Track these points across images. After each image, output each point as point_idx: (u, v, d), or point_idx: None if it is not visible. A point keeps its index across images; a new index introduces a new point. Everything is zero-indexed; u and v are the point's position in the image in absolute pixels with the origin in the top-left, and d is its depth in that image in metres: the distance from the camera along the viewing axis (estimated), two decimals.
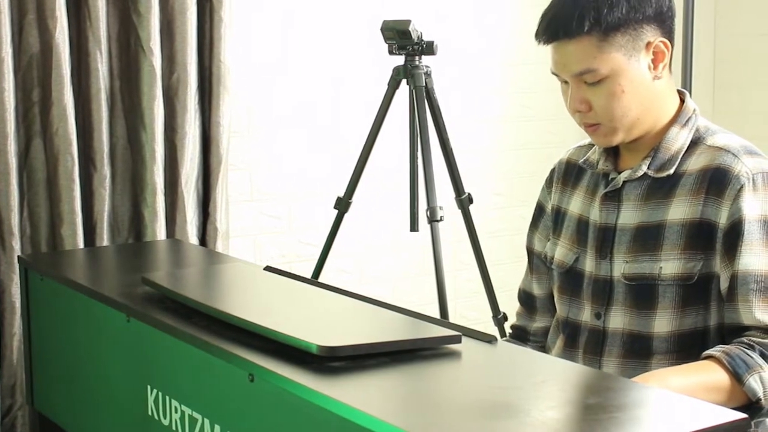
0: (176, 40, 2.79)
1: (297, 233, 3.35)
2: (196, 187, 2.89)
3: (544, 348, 1.94)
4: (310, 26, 3.31)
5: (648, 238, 1.69)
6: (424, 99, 2.78)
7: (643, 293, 1.69)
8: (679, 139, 1.72)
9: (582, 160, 1.85)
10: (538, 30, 1.70)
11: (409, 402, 1.24)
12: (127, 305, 1.73)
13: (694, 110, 1.75)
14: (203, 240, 2.93)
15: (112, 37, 2.76)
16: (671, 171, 1.70)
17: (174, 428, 1.57)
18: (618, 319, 1.72)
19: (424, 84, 2.79)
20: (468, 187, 2.92)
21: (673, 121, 1.73)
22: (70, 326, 1.99)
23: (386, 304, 1.59)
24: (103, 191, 2.75)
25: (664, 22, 1.69)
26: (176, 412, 1.56)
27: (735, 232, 1.62)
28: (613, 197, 1.76)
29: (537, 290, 1.95)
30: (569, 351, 1.81)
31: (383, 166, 3.35)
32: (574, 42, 1.65)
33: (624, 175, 1.74)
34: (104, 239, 2.77)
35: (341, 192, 2.90)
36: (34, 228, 2.72)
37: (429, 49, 2.77)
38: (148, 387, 1.64)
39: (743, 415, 1.13)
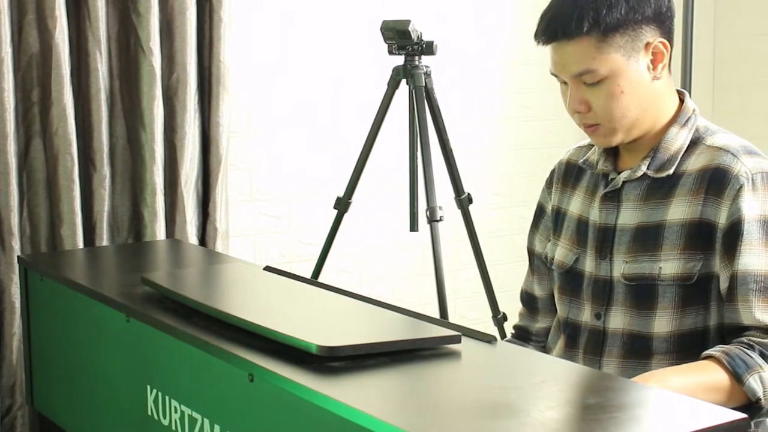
0: (176, 40, 2.79)
1: (297, 233, 3.35)
2: (195, 187, 2.89)
3: (546, 348, 1.94)
4: (309, 26, 3.31)
5: (648, 239, 1.69)
6: (423, 99, 2.78)
7: (642, 293, 1.69)
8: (678, 139, 1.72)
9: (582, 160, 1.85)
10: (537, 31, 1.70)
11: (409, 402, 1.24)
12: (127, 305, 1.73)
13: (694, 110, 1.75)
14: (203, 240, 2.93)
15: (112, 37, 2.76)
16: (671, 171, 1.70)
17: (174, 428, 1.57)
18: (618, 320, 1.72)
19: (423, 84, 2.79)
20: (468, 187, 2.92)
21: (672, 121, 1.73)
22: (70, 326, 1.99)
23: (386, 304, 1.59)
24: (103, 191, 2.75)
25: (663, 22, 1.69)
26: (176, 412, 1.56)
27: (734, 232, 1.62)
28: (613, 197, 1.76)
29: (538, 291, 1.95)
30: (570, 351, 1.81)
31: (383, 166, 3.35)
32: (573, 43, 1.65)
33: (623, 176, 1.74)
34: (104, 239, 2.77)
35: (341, 192, 2.90)
36: (33, 228, 2.72)
37: (429, 49, 2.77)
38: (148, 387, 1.64)
39: (743, 415, 1.13)
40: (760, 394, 1.56)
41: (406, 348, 1.37)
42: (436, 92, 2.84)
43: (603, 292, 1.75)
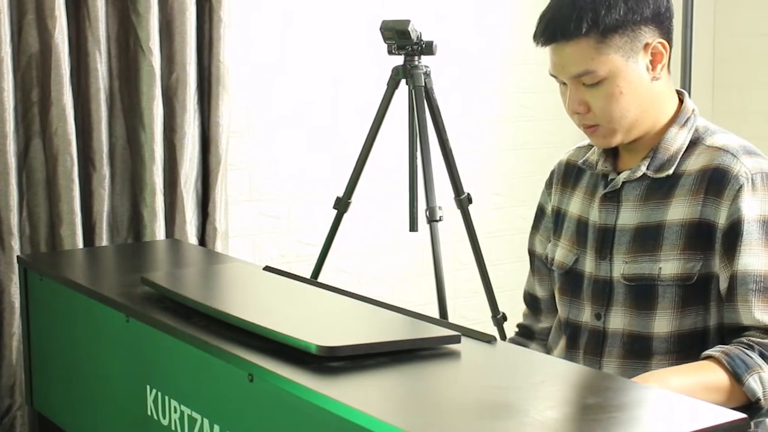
0: (175, 40, 2.79)
1: (296, 233, 3.35)
2: (195, 187, 2.89)
3: (548, 347, 1.94)
4: (309, 26, 3.31)
5: (647, 239, 1.69)
6: (423, 99, 2.78)
7: (642, 294, 1.69)
8: (678, 139, 1.72)
9: (581, 160, 1.85)
10: (536, 32, 1.70)
11: (408, 402, 1.24)
12: (127, 305, 1.73)
13: (693, 110, 1.75)
14: (202, 240, 2.93)
15: (112, 37, 2.76)
16: (670, 171, 1.70)
17: (173, 428, 1.57)
18: (618, 320, 1.72)
19: (423, 84, 2.79)
20: (467, 187, 2.92)
21: (672, 121, 1.73)
22: (70, 326, 1.99)
23: (385, 304, 1.59)
24: (103, 191, 2.75)
25: (662, 23, 1.69)
26: (175, 412, 1.56)
27: (734, 232, 1.62)
28: (613, 198, 1.76)
29: (540, 292, 1.96)
30: (570, 352, 1.81)
31: (382, 166, 3.35)
32: (571, 44, 1.65)
33: (623, 176, 1.74)
34: (103, 239, 2.77)
35: (340, 192, 2.90)
36: (33, 228, 2.72)
37: (428, 49, 2.77)
38: (148, 387, 1.64)
39: (742, 415, 1.13)
40: (760, 394, 1.56)
41: (405, 348, 1.37)
42: (435, 92, 2.84)
43: (603, 292, 1.75)
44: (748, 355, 1.57)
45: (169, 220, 2.85)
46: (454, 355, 1.37)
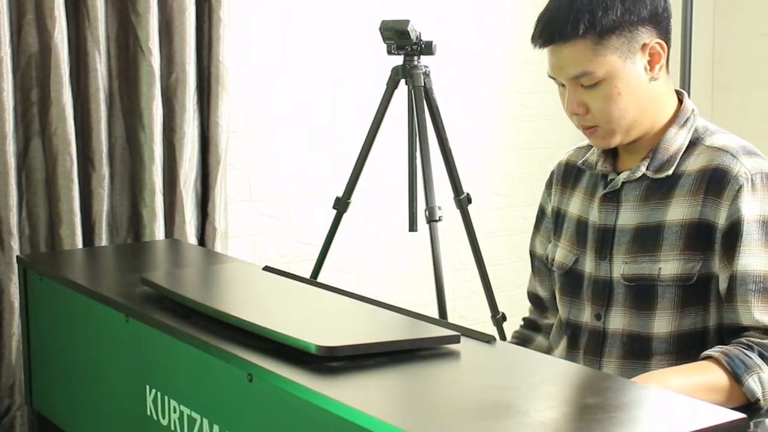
0: (175, 40, 2.79)
1: (296, 233, 3.35)
2: (194, 187, 2.89)
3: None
4: (308, 26, 3.31)
5: (647, 239, 1.69)
6: (422, 99, 2.78)
7: (642, 294, 1.69)
8: (677, 139, 1.72)
9: (581, 161, 1.85)
10: (533, 34, 1.70)
11: (408, 402, 1.24)
12: (126, 305, 1.73)
13: (693, 110, 1.75)
14: (202, 240, 2.93)
15: (111, 37, 2.76)
16: (670, 172, 1.70)
17: (173, 428, 1.57)
18: (618, 320, 1.72)
19: (422, 84, 2.79)
20: (467, 187, 2.92)
21: (671, 121, 1.73)
22: (69, 326, 1.99)
23: (385, 304, 1.59)
24: (102, 191, 2.75)
25: (659, 23, 1.68)
26: (175, 412, 1.56)
27: (734, 232, 1.62)
28: (612, 198, 1.76)
29: (542, 292, 1.96)
30: (571, 352, 1.81)
31: (382, 166, 3.35)
32: (569, 45, 1.65)
33: (623, 176, 1.74)
34: (103, 239, 2.77)
35: (340, 192, 2.90)
36: (32, 228, 2.72)
37: (428, 49, 2.77)
38: (147, 387, 1.64)
39: (742, 415, 1.13)
40: (759, 394, 1.56)
41: (405, 348, 1.37)
42: (435, 92, 2.84)
43: (603, 292, 1.75)
44: (747, 355, 1.57)
45: (168, 220, 2.85)
46: (454, 355, 1.37)
